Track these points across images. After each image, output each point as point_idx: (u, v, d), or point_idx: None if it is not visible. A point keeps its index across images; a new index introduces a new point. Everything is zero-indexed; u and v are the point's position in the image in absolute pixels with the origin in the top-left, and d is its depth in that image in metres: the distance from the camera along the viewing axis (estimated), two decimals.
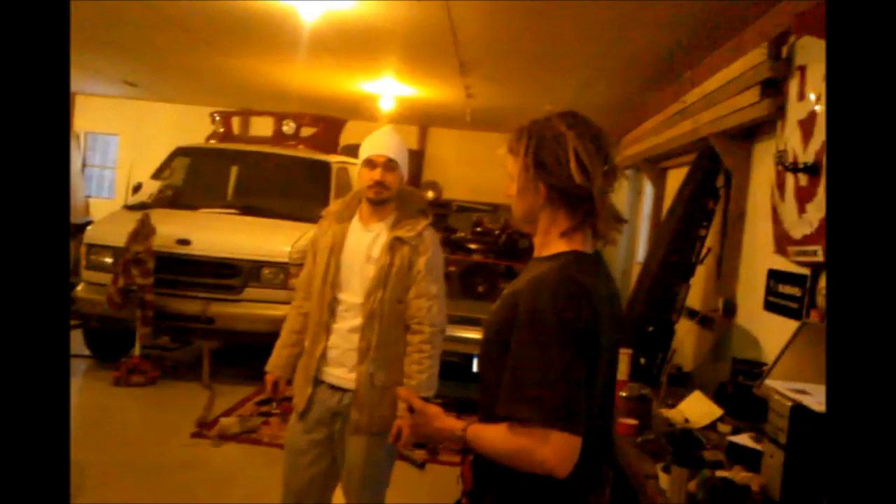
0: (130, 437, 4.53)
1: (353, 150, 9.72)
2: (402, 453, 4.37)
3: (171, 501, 3.69)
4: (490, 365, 1.47)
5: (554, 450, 1.30)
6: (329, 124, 7.74)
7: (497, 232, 7.22)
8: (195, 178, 7.01)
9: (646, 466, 2.27)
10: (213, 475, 4.08)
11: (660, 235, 4.84)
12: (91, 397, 5.31)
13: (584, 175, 1.39)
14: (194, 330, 5.81)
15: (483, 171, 10.63)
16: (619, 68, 6.37)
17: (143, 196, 6.64)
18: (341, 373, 2.56)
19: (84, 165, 11.86)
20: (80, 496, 3.63)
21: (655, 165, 6.76)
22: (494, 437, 1.38)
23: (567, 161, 1.39)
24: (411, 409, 1.52)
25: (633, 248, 8.16)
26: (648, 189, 7.33)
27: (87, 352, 6.03)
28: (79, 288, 5.89)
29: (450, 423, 1.48)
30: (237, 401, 5.30)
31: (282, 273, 5.75)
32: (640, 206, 8.04)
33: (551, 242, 1.47)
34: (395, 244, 2.55)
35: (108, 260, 5.75)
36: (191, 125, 9.08)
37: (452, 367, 5.08)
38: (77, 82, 10.63)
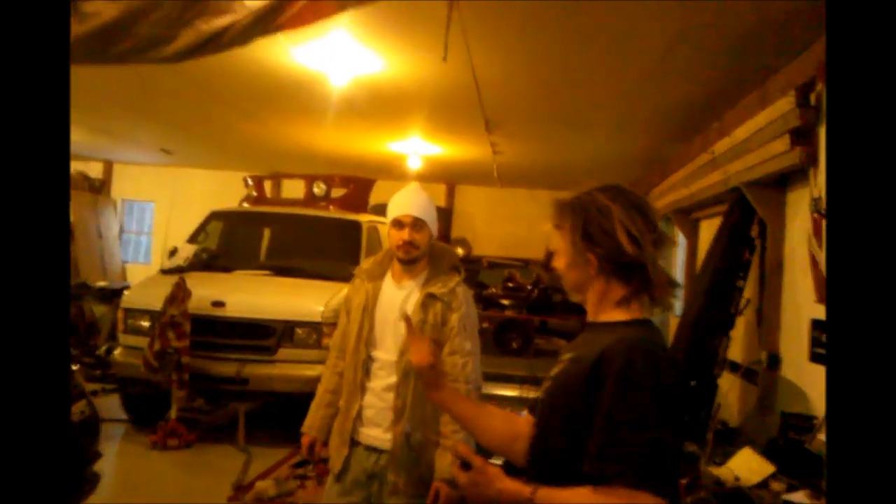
0: (168, 502, 4.49)
1: (382, 210, 9.81)
2: None
3: None
4: (552, 429, 1.46)
5: None
6: (359, 184, 7.87)
7: (529, 287, 7.20)
8: (229, 241, 7.13)
9: None
10: None
11: (696, 288, 4.77)
12: (129, 461, 5.31)
13: (635, 245, 1.42)
14: (229, 392, 5.82)
15: (512, 227, 10.68)
16: (644, 121, 6.42)
17: (178, 260, 6.76)
18: (377, 433, 2.53)
19: (121, 231, 12.15)
20: None
21: (687, 216, 6.73)
22: (574, 499, 1.34)
23: (615, 233, 1.42)
24: (466, 467, 1.46)
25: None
26: (681, 241, 7.28)
27: (124, 416, 6.05)
28: (116, 352, 5.96)
29: (513, 484, 1.42)
30: (273, 463, 5.25)
31: (315, 333, 5.76)
32: (673, 258, 7.97)
33: (607, 310, 1.50)
34: (427, 301, 2.54)
35: (145, 323, 5.83)
36: (224, 190, 9.31)
37: None
38: (114, 151, 11.01)
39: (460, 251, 10.88)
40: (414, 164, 8.97)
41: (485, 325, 6.22)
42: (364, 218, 7.17)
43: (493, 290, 7.24)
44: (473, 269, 9.38)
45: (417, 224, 2.58)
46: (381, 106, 6.64)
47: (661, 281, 1.46)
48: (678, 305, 7.52)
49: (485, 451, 1.58)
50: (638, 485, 1.28)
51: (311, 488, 4.81)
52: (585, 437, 1.35)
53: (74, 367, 3.57)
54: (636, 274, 1.45)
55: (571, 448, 1.39)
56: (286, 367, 5.66)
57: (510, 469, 1.50)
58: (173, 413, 5.59)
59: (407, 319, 1.96)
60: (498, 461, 1.58)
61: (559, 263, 1.53)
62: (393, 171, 9.51)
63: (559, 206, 1.52)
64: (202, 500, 4.28)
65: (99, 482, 3.33)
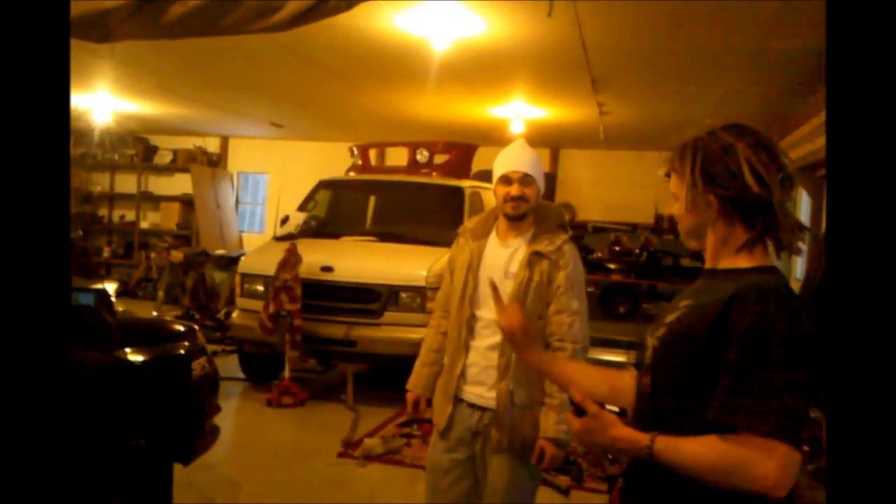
0: (281, 456, 4.72)
1: (485, 176, 9.73)
2: (546, 478, 4.25)
3: None
4: (666, 376, 1.39)
5: (778, 464, 1.21)
6: (461, 151, 7.85)
7: (637, 251, 6.97)
8: (337, 209, 7.33)
9: (819, 496, 2.04)
10: (358, 494, 4.16)
11: (822, 250, 4.44)
12: (245, 418, 5.62)
13: (761, 185, 1.32)
14: (338, 353, 6.03)
15: (618, 191, 10.34)
16: (763, 75, 6.00)
17: (290, 228, 7.02)
18: (481, 391, 2.52)
19: (238, 203, 12.77)
20: None
21: (812, 174, 6.27)
22: (699, 448, 1.27)
23: (740, 172, 1.33)
24: (580, 413, 1.40)
25: (791, 264, 7.59)
26: (805, 200, 6.80)
27: (242, 375, 6.40)
28: (234, 315, 6.30)
29: (630, 432, 1.36)
30: (380, 422, 5.40)
31: (419, 297, 5.84)
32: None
33: (728, 256, 1.41)
34: (533, 259, 2.49)
35: (260, 288, 6.11)
36: (331, 160, 9.55)
37: None
38: (230, 126, 11.52)
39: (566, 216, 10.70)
40: (517, 129, 8.84)
41: (590, 289, 6.09)
42: (466, 184, 7.16)
43: (600, 254, 7.06)
44: (579, 234, 9.20)
45: (526, 179, 2.53)
46: (484, 69, 6.55)
47: (789, 223, 1.35)
48: (798, 269, 7.07)
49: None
50: (774, 435, 1.20)
51: (417, 447, 4.92)
52: (705, 385, 1.28)
53: (196, 328, 3.77)
54: (761, 216, 1.35)
55: (687, 396, 1.31)
56: (391, 330, 5.79)
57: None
58: (287, 373, 5.86)
59: (493, 285, 1.93)
60: (614, 408, 1.52)
61: (676, 209, 1.45)
62: (495, 137, 9.42)
63: (678, 148, 1.43)
64: (314, 454, 4.47)
65: (219, 434, 3.53)
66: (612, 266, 6.52)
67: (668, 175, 1.48)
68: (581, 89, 7.00)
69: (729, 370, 1.26)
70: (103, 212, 12.78)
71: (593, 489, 4.19)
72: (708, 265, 1.45)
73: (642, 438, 1.33)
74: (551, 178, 11.04)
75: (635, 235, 8.46)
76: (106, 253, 12.23)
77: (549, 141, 10.68)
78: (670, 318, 1.42)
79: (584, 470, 4.43)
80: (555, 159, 11.36)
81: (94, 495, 2.32)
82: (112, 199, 12.72)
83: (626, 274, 6.37)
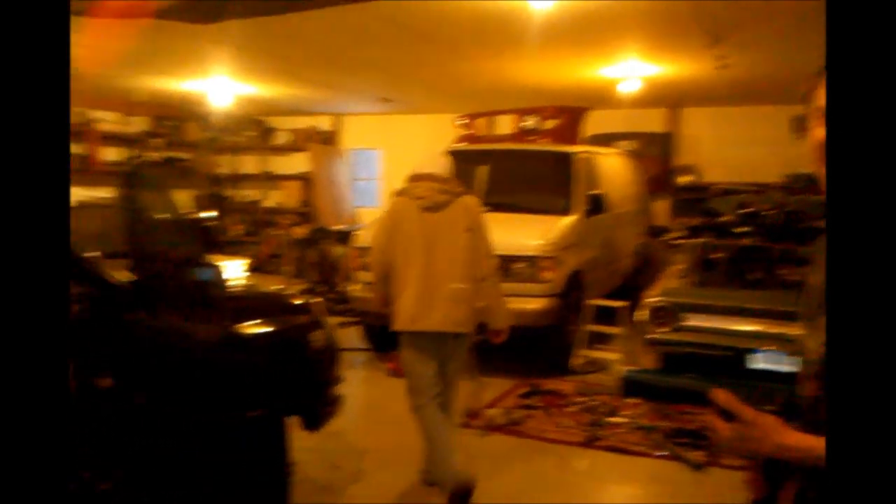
0: (404, 424, 4.78)
1: (597, 140, 9.47)
2: (678, 454, 4.09)
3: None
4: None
5: None
6: (570, 115, 7.62)
7: (769, 213, 6.48)
8: None
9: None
10: (479, 465, 4.16)
11: None
12: (369, 387, 5.77)
13: None
14: None
15: (745, 150, 9.70)
16: None
17: None
18: None
19: (352, 179, 13.08)
20: (360, 479, 3.92)
21: None
22: None
23: None
24: (727, 417, 1.21)
25: None
26: None
27: (364, 346, 6.57)
28: (352, 288, 6.46)
29: (801, 438, 1.16)
30: (500, 393, 5.39)
31: (531, 267, 5.73)
32: None
33: None
34: None
35: None
36: (440, 132, 9.53)
37: (724, 362, 4.65)
38: (341, 104, 11.77)
39: (688, 178, 10.18)
40: (630, 88, 8.44)
41: (719, 254, 5.74)
42: (576, 149, 6.94)
43: (727, 217, 6.64)
44: (702, 197, 8.73)
45: None
46: (592, 26, 6.26)
47: None
48: None
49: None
50: None
51: (539, 418, 4.86)
52: None
53: (317, 300, 3.88)
54: None
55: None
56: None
57: (790, 413, 1.23)
58: None
59: None
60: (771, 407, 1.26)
61: (820, 156, 1.27)
62: (607, 98, 9.06)
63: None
64: None
65: (343, 403, 3.63)
66: (740, 230, 6.10)
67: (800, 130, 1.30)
68: (700, 41, 6.55)
69: None
70: (229, 192, 13.48)
71: (730, 466, 3.98)
72: None
73: (818, 447, 1.13)
74: (669, 139, 10.52)
75: (765, 196, 7.90)
76: (234, 231, 12.91)
77: (667, 99, 10.13)
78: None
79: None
80: (673, 118, 10.79)
81: (215, 463, 2.42)
82: (237, 179, 13.39)
83: (757, 238, 5.94)
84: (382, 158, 12.87)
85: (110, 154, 10.57)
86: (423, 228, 3.53)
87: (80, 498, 2.17)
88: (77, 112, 10.49)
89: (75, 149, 10.44)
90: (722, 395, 1.23)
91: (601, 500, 3.87)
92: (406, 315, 3.54)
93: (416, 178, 3.65)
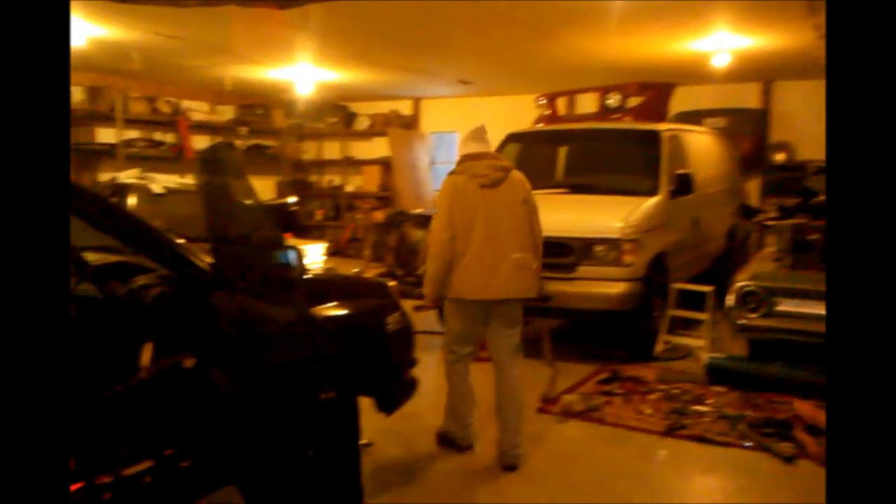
0: (481, 408, 4.77)
1: (686, 117, 9.07)
2: (768, 446, 3.90)
3: (524, 471, 3.81)
4: None
5: None
6: (656, 91, 7.33)
7: None
8: (526, 162, 7.19)
9: None
10: (557, 451, 4.10)
11: None
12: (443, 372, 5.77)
13: None
14: (533, 308, 5.95)
15: None
16: None
17: None
18: None
19: (432, 163, 13.12)
20: (436, 460, 3.93)
21: None
22: None
23: None
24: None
25: None
26: None
27: (440, 329, 6.58)
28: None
29: None
30: (579, 379, 5.29)
31: (614, 250, 5.58)
32: None
33: None
34: None
35: None
36: (519, 113, 9.39)
37: (816, 350, 4.39)
38: (421, 88, 11.78)
39: (782, 156, 9.66)
40: (720, 62, 8.04)
41: (814, 236, 5.42)
42: (663, 127, 6.68)
43: (823, 197, 6.25)
44: (798, 175, 8.26)
45: None
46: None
47: None
48: None
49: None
50: None
51: (619, 405, 4.74)
52: None
53: (392, 284, 3.90)
54: None
55: None
56: (585, 285, 5.60)
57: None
58: None
59: None
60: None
61: None
62: (696, 74, 8.67)
63: None
64: None
65: (418, 386, 3.63)
66: None
67: None
68: (795, 10, 6.15)
69: None
70: (313, 178, 13.80)
71: (820, 459, 3.75)
72: None
73: None
74: (763, 115, 9.99)
75: None
76: (318, 216, 13.22)
77: (760, 73, 9.61)
78: None
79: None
80: (766, 93, 10.22)
81: (288, 445, 2.47)
82: (320, 165, 13.68)
83: None
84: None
85: (201, 142, 10.99)
86: (485, 204, 3.73)
87: (163, 472, 2.26)
88: (170, 102, 10.97)
89: (168, 137, 10.95)
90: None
91: (683, 491, 3.73)
92: (471, 285, 3.73)
93: (474, 158, 3.83)
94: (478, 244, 3.70)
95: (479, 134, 3.94)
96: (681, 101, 8.28)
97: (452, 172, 3.88)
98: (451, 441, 4.05)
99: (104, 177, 9.24)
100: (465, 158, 3.85)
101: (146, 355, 2.29)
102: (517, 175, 3.91)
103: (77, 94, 9.62)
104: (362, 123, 13.11)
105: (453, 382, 4.00)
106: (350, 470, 2.62)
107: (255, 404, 2.37)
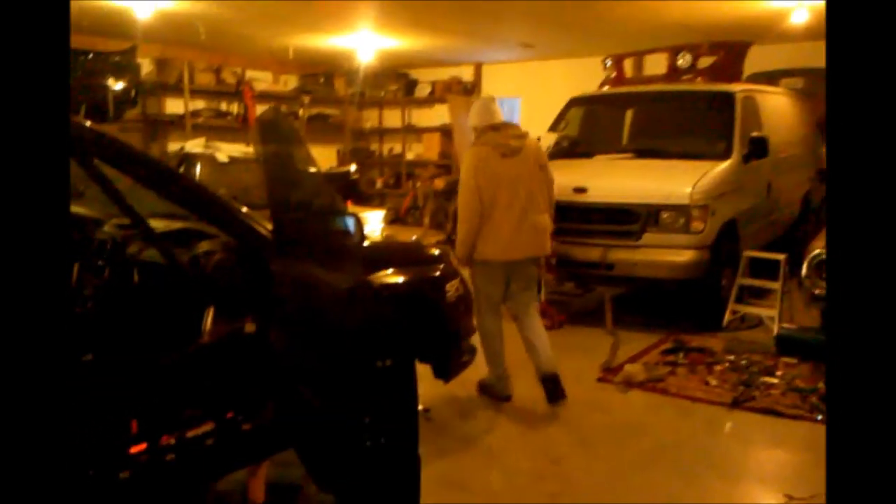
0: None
1: (761, 78, 8.62)
2: None
3: (583, 440, 3.78)
4: None
5: None
6: (730, 50, 6.98)
7: None
8: (590, 127, 7.03)
9: None
10: (619, 421, 4.04)
11: None
12: (505, 339, 5.74)
13: None
14: (595, 276, 5.86)
15: None
16: None
17: None
18: None
19: None
20: (493, 429, 3.93)
21: None
22: None
23: None
24: None
25: None
26: None
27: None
28: None
29: None
30: (641, 348, 5.18)
31: (682, 217, 5.40)
32: None
33: None
34: None
35: None
36: (584, 77, 9.12)
37: None
38: (482, 53, 11.59)
39: None
40: (798, 19, 7.59)
41: None
42: (737, 87, 6.37)
43: None
44: None
45: None
46: None
47: None
48: None
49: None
50: None
51: (683, 375, 4.63)
52: None
53: (450, 252, 3.88)
54: None
55: None
56: (651, 253, 5.46)
57: None
58: (543, 295, 5.85)
59: None
60: None
61: None
62: (772, 32, 8.22)
63: None
64: (572, 378, 4.41)
65: (476, 354, 3.61)
66: None
67: None
68: None
69: None
70: (374, 146, 13.84)
71: None
72: None
73: None
74: None
75: None
76: (379, 184, 13.29)
77: None
78: None
79: None
80: None
81: (344, 411, 2.48)
82: (381, 133, 13.70)
83: None
84: (523, 106, 12.61)
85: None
86: (507, 171, 4.01)
87: (225, 435, 2.31)
88: (235, 73, 11.14)
89: (233, 107, 11.14)
90: None
91: (749, 464, 3.62)
92: (499, 247, 4.03)
93: (494, 128, 4.08)
94: (501, 210, 3.99)
95: (488, 105, 4.18)
96: (756, 61, 7.87)
97: (475, 143, 4.10)
98: (490, 391, 4.28)
99: (173, 146, 9.50)
100: (486, 129, 4.09)
101: (208, 320, 2.34)
102: (532, 142, 4.23)
103: (146, 66, 9.87)
104: (423, 90, 13.01)
105: (486, 336, 4.20)
106: (407, 436, 2.62)
107: (314, 370, 2.40)
